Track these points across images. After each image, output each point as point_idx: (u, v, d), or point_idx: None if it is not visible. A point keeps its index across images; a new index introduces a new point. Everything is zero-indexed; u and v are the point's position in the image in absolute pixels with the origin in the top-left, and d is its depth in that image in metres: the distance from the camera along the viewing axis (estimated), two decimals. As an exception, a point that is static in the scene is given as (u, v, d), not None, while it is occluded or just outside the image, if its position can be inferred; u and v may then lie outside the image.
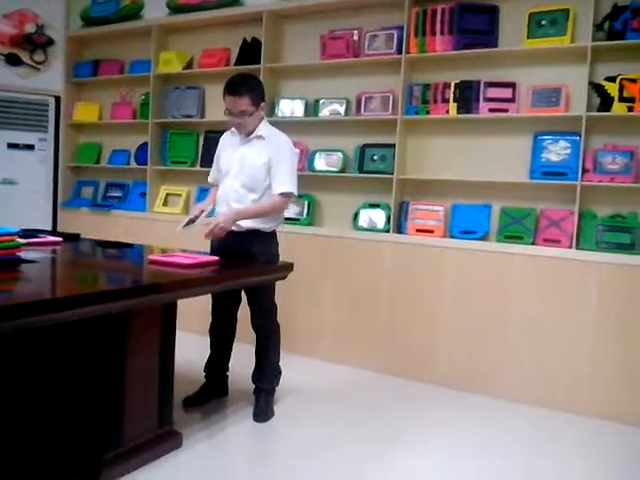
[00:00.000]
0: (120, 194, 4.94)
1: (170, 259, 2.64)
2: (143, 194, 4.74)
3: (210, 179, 3.14)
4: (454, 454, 2.66)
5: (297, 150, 3.97)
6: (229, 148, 2.97)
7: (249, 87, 2.80)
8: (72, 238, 3.33)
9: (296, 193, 2.89)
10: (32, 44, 4.91)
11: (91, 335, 2.28)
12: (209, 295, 3.00)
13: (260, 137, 2.87)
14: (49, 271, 2.52)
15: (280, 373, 3.06)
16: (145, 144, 4.72)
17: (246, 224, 2.82)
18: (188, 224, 2.87)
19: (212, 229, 2.72)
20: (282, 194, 2.82)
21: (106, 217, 4.80)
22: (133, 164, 4.86)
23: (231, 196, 2.88)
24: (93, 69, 5.00)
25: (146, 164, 4.69)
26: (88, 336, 2.29)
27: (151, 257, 2.74)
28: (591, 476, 2.53)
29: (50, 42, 4.99)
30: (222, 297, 3.02)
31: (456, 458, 2.62)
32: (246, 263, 2.81)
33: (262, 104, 2.86)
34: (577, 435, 2.94)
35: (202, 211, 2.95)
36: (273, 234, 2.96)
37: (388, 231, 3.73)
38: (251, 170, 2.84)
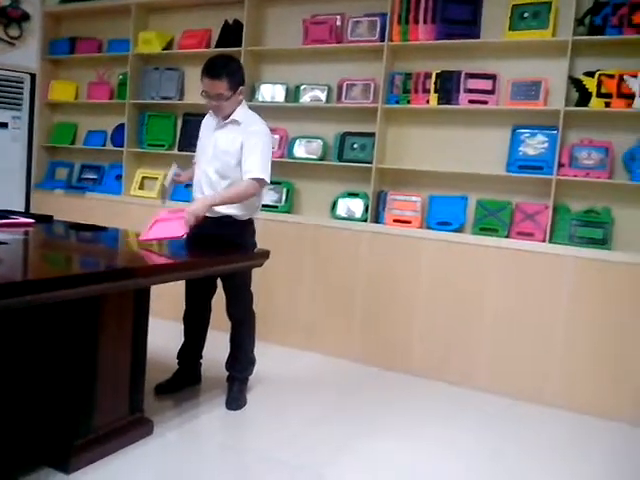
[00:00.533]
0: (95, 176, 4.86)
1: (159, 235, 2.68)
2: (119, 177, 4.67)
3: (195, 159, 3.09)
4: (425, 441, 2.70)
5: (276, 136, 3.99)
6: (207, 131, 2.93)
7: (229, 70, 2.73)
8: (45, 220, 3.27)
9: (267, 179, 2.78)
10: (6, 18, 4.76)
11: (63, 319, 2.25)
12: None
13: (235, 122, 2.81)
14: (21, 253, 2.48)
15: (254, 362, 3.05)
16: (122, 125, 4.64)
17: (220, 210, 2.78)
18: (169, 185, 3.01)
19: (186, 219, 2.62)
20: (251, 179, 2.73)
21: (80, 199, 4.72)
22: (109, 146, 4.77)
23: (204, 181, 2.85)
24: (70, 46, 4.88)
25: (122, 146, 4.61)
26: (59, 320, 2.25)
27: (140, 238, 2.75)
28: (554, 465, 2.58)
29: (25, 17, 4.85)
30: (196, 285, 2.99)
31: (427, 445, 2.66)
32: (222, 250, 2.78)
33: (241, 88, 2.79)
34: (544, 426, 2.99)
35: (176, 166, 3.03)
36: (249, 222, 2.93)
37: (366, 220, 3.73)
38: (224, 156, 2.79)
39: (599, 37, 3.19)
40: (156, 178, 4.58)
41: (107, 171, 4.81)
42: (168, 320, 3.48)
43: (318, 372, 3.53)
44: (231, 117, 2.81)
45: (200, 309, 3.08)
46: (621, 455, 2.76)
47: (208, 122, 2.95)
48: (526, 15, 3.37)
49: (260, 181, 2.75)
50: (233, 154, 2.78)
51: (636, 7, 3.10)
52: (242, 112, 2.84)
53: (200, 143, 2.97)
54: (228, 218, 2.81)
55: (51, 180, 5.00)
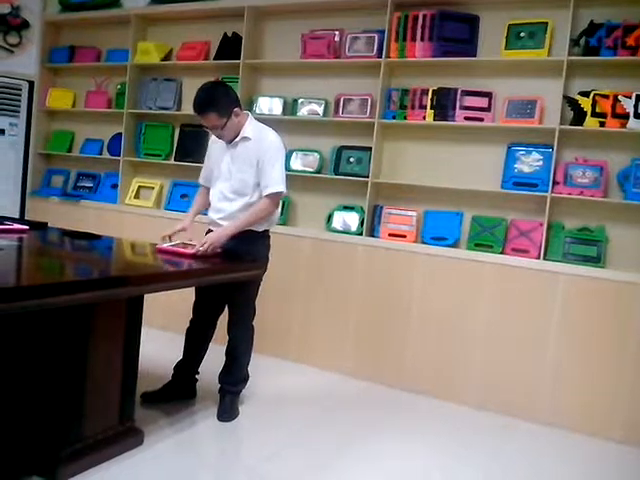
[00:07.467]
0: (91, 184, 4.85)
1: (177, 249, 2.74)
2: (115, 185, 4.67)
3: (200, 180, 3.10)
4: (412, 456, 2.68)
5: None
6: (218, 151, 2.92)
7: (213, 103, 2.70)
8: (39, 227, 3.26)
9: (284, 190, 2.83)
10: (6, 25, 4.78)
11: (54, 326, 2.23)
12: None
13: (246, 138, 2.82)
14: (14, 259, 2.47)
15: (248, 378, 3.02)
16: (119, 134, 4.64)
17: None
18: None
19: (205, 249, 2.69)
20: (268, 196, 2.79)
21: (76, 207, 4.71)
22: (106, 154, 4.77)
23: (221, 198, 2.87)
24: (69, 55, 4.90)
25: (119, 155, 4.61)
26: (51, 327, 2.24)
27: (159, 247, 2.79)
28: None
29: (25, 24, 4.88)
30: (206, 300, 2.98)
31: (414, 462, 2.65)
32: (215, 260, 2.76)
33: (235, 110, 2.76)
34: (533, 444, 2.98)
35: (183, 229, 2.92)
36: (264, 234, 2.93)
37: (361, 234, 3.74)
38: (240, 174, 2.81)
39: (594, 58, 3.23)
40: (152, 187, 4.58)
41: (103, 180, 4.81)
42: (158, 329, 3.46)
43: (310, 385, 3.50)
44: (240, 135, 2.82)
45: (206, 325, 3.03)
46: (612, 475, 2.75)
47: (217, 142, 2.91)
48: (522, 35, 3.41)
49: (278, 194, 2.81)
50: (249, 171, 2.80)
51: (629, 30, 3.15)
52: (250, 127, 2.84)
53: (210, 162, 2.97)
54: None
55: (47, 187, 4.99)
